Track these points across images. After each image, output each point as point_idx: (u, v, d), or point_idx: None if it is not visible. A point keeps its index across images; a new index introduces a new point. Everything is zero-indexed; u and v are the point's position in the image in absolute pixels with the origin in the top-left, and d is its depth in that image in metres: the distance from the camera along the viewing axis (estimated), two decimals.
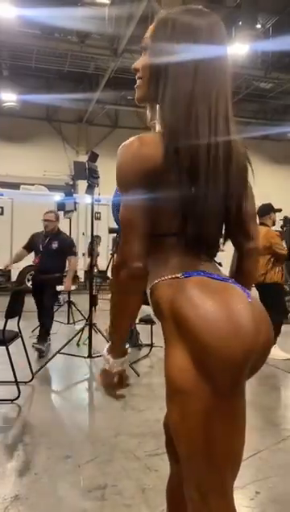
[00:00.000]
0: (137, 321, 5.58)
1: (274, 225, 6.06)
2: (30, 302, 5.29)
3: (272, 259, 5.59)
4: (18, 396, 4.03)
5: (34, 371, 4.64)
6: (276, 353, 5.24)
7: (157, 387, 4.52)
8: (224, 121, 1.31)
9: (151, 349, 5.90)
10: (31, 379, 4.55)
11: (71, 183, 10.22)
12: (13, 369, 4.12)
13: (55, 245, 6.27)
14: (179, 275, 1.26)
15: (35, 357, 5.15)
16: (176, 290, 1.23)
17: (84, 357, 5.40)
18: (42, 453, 3.03)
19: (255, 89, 18.48)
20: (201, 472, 1.22)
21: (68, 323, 8.00)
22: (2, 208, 13.66)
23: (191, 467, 1.23)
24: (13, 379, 4.10)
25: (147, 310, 4.22)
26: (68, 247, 6.41)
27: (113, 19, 14.18)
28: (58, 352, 5.13)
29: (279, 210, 6.11)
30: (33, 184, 15.05)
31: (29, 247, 6.49)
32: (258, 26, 14.18)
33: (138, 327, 5.81)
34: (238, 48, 14.08)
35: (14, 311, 4.37)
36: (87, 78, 18.94)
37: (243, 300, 1.22)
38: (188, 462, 1.23)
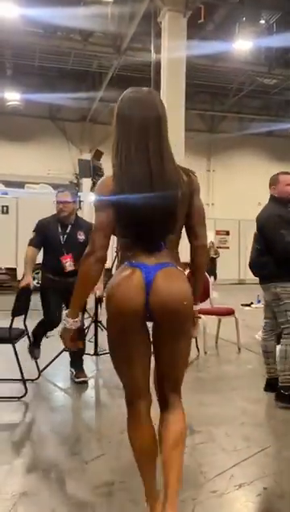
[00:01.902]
0: None
1: None
2: (35, 299, 5.29)
3: None
4: (26, 393, 4.04)
5: (40, 369, 4.66)
6: None
7: None
8: (154, 155, 1.94)
9: None
10: (38, 377, 4.57)
11: (75, 181, 10.23)
12: (20, 367, 4.14)
13: (81, 236, 4.55)
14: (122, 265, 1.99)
15: (41, 355, 5.15)
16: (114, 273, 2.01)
17: (91, 355, 5.41)
18: (49, 450, 3.05)
19: (259, 85, 18.41)
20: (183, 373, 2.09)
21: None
22: (7, 206, 13.70)
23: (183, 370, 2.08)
24: (20, 377, 4.12)
25: None
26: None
27: (116, 17, 14.14)
28: (64, 349, 5.12)
29: None
30: (38, 183, 15.08)
31: (40, 242, 4.65)
32: (262, 21, 14.12)
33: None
34: (242, 44, 14.05)
35: (20, 309, 4.38)
36: (90, 76, 18.91)
37: (131, 275, 1.91)
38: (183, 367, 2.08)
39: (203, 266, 2.16)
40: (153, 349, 2.05)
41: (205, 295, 6.14)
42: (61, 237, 4.61)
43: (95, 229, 1.96)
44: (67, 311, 2.04)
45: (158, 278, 1.89)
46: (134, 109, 1.98)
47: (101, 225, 1.94)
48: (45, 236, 4.64)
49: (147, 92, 2.05)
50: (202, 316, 5.69)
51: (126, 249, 1.99)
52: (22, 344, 4.62)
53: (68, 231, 4.61)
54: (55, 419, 3.69)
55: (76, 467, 2.79)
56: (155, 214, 1.91)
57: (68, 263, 4.53)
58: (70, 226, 4.62)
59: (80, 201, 8.05)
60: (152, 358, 2.05)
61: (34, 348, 4.85)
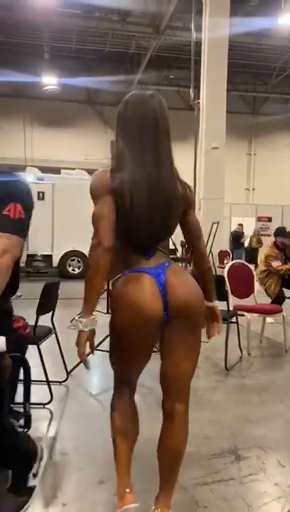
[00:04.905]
0: None
1: (283, 246, 6.73)
2: (68, 287, 4.92)
3: (267, 271, 6.62)
4: (51, 400, 3.68)
5: (69, 370, 4.28)
6: None
7: (204, 392, 4.06)
8: (150, 161, 1.97)
9: None
10: (66, 379, 4.20)
11: None
12: (44, 370, 3.77)
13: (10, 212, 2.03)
14: (120, 275, 2.02)
15: (70, 355, 4.77)
16: (119, 282, 2.02)
17: None
18: (72, 476, 2.63)
19: None
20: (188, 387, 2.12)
21: (108, 312, 7.63)
22: (43, 193, 13.42)
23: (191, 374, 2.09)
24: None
25: None
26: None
27: None
28: (95, 348, 4.72)
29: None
30: (74, 169, 14.74)
31: None
32: None
33: None
34: (287, 19, 13.24)
35: (46, 306, 4.02)
36: (128, 58, 18.44)
37: (143, 282, 1.93)
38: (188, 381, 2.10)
39: (209, 269, 2.26)
40: (163, 355, 2.05)
41: (249, 290, 5.64)
42: None
43: (97, 217, 1.90)
44: (80, 313, 1.89)
45: (169, 279, 1.95)
46: (132, 113, 2.00)
47: (103, 214, 1.90)
48: None
49: (149, 97, 2.05)
50: (246, 314, 5.20)
51: (120, 255, 1.99)
52: (48, 343, 4.24)
53: None
54: (81, 433, 3.26)
55: (102, 501, 2.37)
56: (153, 220, 1.96)
57: None
58: None
59: None
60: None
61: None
